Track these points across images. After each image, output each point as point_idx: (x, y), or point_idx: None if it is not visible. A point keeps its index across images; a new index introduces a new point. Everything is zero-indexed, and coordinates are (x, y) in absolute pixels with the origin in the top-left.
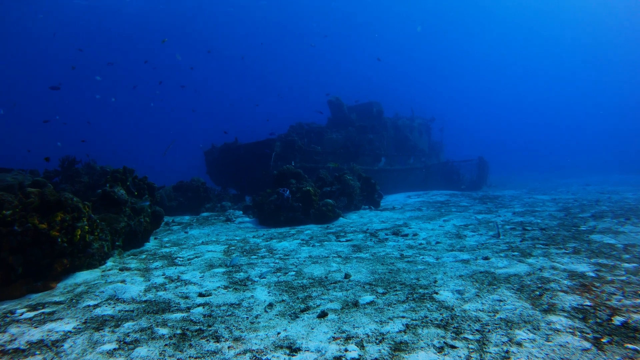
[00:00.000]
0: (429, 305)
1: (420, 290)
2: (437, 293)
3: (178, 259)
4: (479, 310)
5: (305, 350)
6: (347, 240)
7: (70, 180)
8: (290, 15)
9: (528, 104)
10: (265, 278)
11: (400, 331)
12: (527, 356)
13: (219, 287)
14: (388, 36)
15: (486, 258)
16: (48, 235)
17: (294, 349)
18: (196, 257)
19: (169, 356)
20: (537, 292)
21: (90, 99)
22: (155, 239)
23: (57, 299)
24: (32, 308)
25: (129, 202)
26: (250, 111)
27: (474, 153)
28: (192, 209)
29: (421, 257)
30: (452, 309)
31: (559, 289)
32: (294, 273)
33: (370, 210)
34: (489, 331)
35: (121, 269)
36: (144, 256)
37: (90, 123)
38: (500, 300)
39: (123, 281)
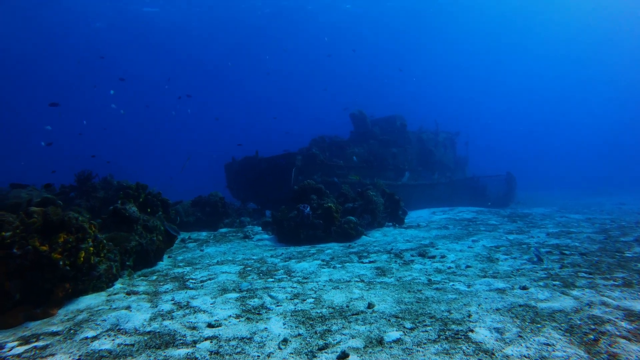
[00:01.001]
0: (464, 347)
1: (453, 327)
2: (472, 331)
3: (190, 281)
4: (524, 356)
5: None
6: (370, 262)
7: (86, 195)
8: (306, 25)
9: (553, 120)
10: (281, 306)
11: None
12: None
13: (230, 316)
14: (410, 48)
15: (524, 288)
16: (49, 258)
17: None
18: (209, 279)
19: None
20: (592, 336)
21: (108, 110)
22: (169, 257)
23: (54, 328)
24: (25, 341)
25: (141, 219)
26: (270, 123)
27: (497, 168)
28: (210, 225)
29: (451, 283)
30: (493, 354)
31: (618, 333)
32: (312, 300)
33: (394, 227)
34: None
35: (128, 293)
36: (154, 277)
37: (105, 129)
38: (548, 345)
39: (128, 307)
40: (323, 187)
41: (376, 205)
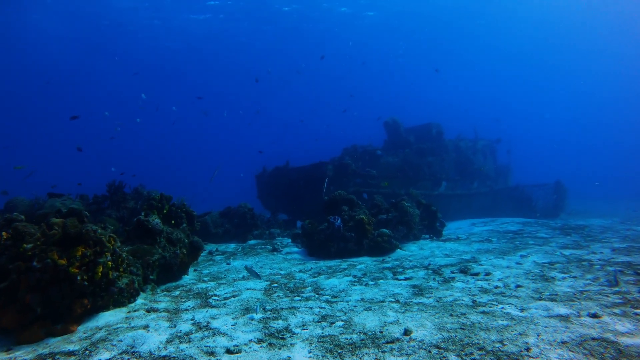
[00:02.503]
0: None
1: None
2: None
3: (213, 297)
4: None
5: None
6: (405, 279)
7: (116, 205)
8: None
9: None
10: (307, 330)
11: None
12: None
13: (251, 340)
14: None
15: (595, 315)
16: (67, 273)
17: None
18: (233, 296)
19: None
20: None
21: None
22: (195, 270)
23: (71, 347)
24: None
25: (165, 232)
26: (299, 129)
27: (546, 177)
28: (239, 237)
29: (500, 306)
30: None
31: None
32: (342, 323)
33: (432, 240)
34: None
35: (148, 310)
36: (177, 292)
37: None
38: None
39: (146, 327)
40: (355, 198)
41: (411, 217)
